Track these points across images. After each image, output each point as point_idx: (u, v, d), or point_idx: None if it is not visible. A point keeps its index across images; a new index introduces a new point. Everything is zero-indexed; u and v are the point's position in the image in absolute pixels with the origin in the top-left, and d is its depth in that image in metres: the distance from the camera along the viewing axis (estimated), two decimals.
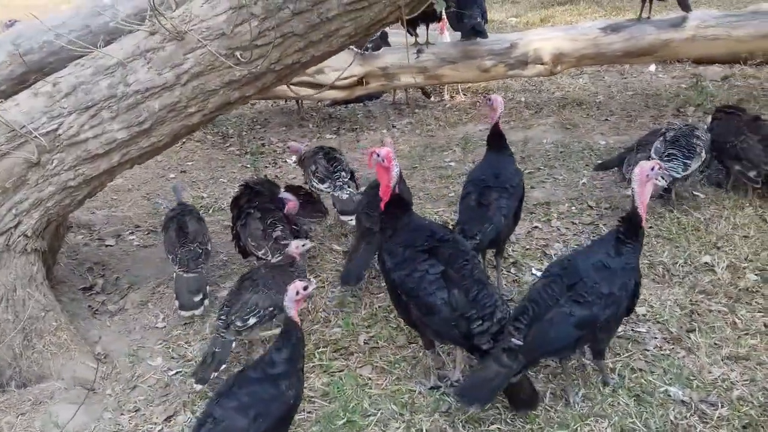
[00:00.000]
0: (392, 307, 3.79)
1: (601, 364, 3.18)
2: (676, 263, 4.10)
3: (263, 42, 3.63)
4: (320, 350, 3.61)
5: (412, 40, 6.92)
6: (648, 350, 3.40)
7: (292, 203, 4.23)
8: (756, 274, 3.92)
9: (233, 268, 4.52)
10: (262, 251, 3.93)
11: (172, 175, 6.29)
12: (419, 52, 6.88)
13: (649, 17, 6.71)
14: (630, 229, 3.06)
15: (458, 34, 6.98)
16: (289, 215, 4.21)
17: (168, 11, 3.69)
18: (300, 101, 7.53)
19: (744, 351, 3.31)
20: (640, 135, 5.99)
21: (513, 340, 2.83)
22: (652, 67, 8.38)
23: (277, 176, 6.06)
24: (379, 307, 3.93)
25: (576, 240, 4.56)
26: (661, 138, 4.90)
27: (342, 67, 5.43)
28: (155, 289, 4.35)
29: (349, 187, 4.72)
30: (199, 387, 3.29)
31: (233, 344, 3.42)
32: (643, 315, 3.66)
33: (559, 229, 4.71)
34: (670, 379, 3.17)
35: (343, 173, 4.75)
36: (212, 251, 4.31)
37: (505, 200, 3.73)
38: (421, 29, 6.90)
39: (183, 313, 3.94)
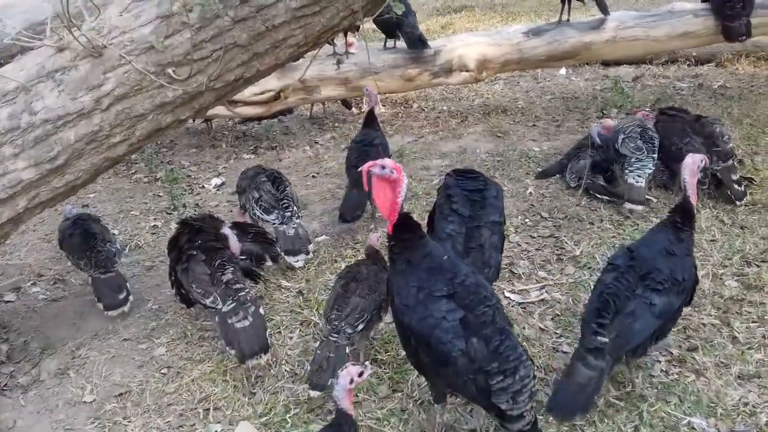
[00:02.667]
0: (365, 352, 3.38)
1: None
2: None
3: (200, 56, 3.08)
4: (292, 413, 3.10)
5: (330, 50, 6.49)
6: (654, 376, 3.15)
7: (233, 245, 3.66)
8: (736, 281, 3.79)
9: (168, 319, 3.89)
10: (210, 299, 3.34)
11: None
12: (339, 62, 6.38)
13: (568, 20, 6.64)
14: (685, 216, 3.09)
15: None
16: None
17: (78, 21, 3.04)
18: (210, 120, 6.88)
19: (753, 368, 3.13)
20: (571, 140, 5.94)
21: (599, 338, 2.78)
22: (563, 71, 8.39)
23: (197, 204, 5.43)
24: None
25: (540, 255, 4.30)
26: (622, 135, 4.74)
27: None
28: (75, 352, 3.65)
29: (297, 218, 4.20)
30: (315, 393, 3.06)
31: (347, 349, 3.12)
32: None
33: (519, 245, 4.42)
34: (690, 408, 2.92)
35: (292, 202, 4.23)
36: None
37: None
38: (339, 39, 6.46)
39: (109, 313, 3.81)
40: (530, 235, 4.54)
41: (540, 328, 3.61)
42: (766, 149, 5.45)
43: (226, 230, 3.69)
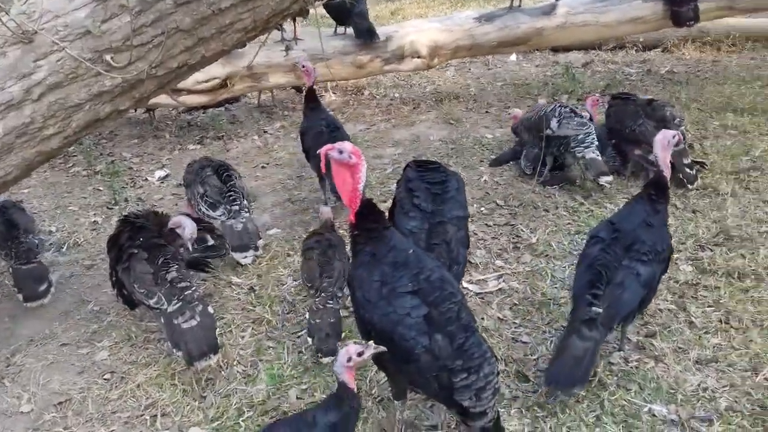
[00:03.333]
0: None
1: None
2: None
3: (140, 41, 2.89)
4: (245, 417, 2.95)
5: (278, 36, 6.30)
6: (613, 363, 3.12)
7: (188, 229, 3.45)
8: (690, 265, 3.80)
9: (110, 320, 3.68)
10: (154, 299, 3.16)
11: None
12: (288, 49, 6.25)
13: (520, 5, 6.60)
14: (659, 189, 3.15)
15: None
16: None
17: (6, 5, 2.81)
18: (152, 109, 6.60)
19: (710, 353, 3.12)
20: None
21: (594, 309, 2.83)
22: (513, 57, 8.38)
23: (139, 198, 5.20)
24: (306, 348, 3.33)
25: (497, 244, 4.24)
26: (555, 119, 4.72)
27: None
28: (10, 359, 3.42)
29: (246, 212, 4.03)
30: (327, 360, 3.16)
31: (341, 312, 3.35)
32: None
33: (476, 234, 4.34)
34: (650, 395, 2.90)
35: (240, 196, 4.05)
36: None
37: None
38: (288, 24, 6.27)
39: (29, 304, 3.74)
40: (486, 224, 4.48)
41: (499, 318, 3.54)
42: (714, 133, 5.51)
43: (180, 216, 3.50)
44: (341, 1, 5.71)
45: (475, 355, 2.37)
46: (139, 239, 3.31)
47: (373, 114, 6.68)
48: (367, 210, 2.54)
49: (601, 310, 2.83)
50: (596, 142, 4.67)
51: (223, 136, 6.35)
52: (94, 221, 4.83)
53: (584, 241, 4.06)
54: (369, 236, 2.53)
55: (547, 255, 4.05)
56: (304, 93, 4.96)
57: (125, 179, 5.50)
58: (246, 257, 4.01)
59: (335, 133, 4.50)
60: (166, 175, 5.59)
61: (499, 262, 4.03)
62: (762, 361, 3.04)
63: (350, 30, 6.43)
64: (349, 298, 2.82)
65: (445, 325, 2.38)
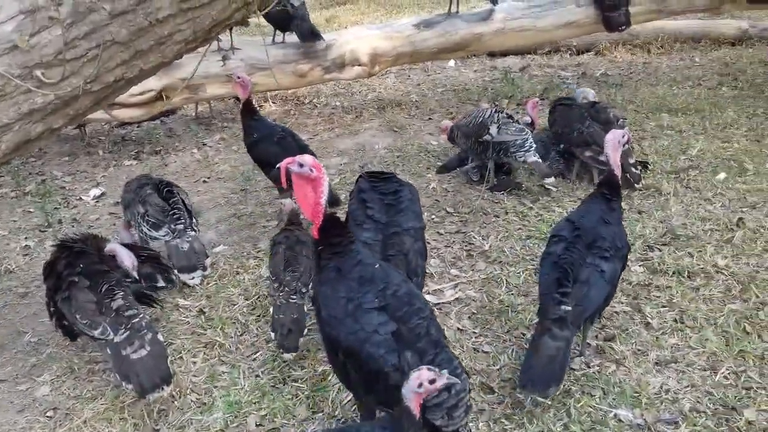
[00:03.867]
0: (279, 370, 3.15)
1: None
2: None
3: (73, 55, 2.72)
4: None
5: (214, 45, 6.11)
6: (575, 369, 3.11)
7: (126, 261, 3.28)
8: (641, 266, 3.85)
9: (50, 352, 3.45)
10: (99, 329, 2.96)
11: None
12: (225, 58, 6.09)
13: (457, 11, 6.62)
14: (612, 188, 3.20)
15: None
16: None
17: None
18: (83, 125, 6.31)
19: (669, 353, 3.15)
20: None
21: (563, 307, 2.82)
22: (452, 63, 8.43)
23: (74, 219, 4.94)
24: (263, 372, 3.20)
25: (450, 252, 4.20)
26: (495, 125, 4.75)
27: None
28: None
29: (192, 230, 3.85)
30: (289, 356, 3.19)
31: (305, 308, 3.30)
32: None
33: (429, 242, 4.26)
34: (614, 400, 2.89)
35: (184, 213, 3.87)
36: None
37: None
38: (224, 33, 6.08)
39: None
40: (438, 232, 4.44)
41: (458, 328, 3.49)
42: (651, 133, 5.64)
43: (113, 245, 3.31)
44: (282, 8, 5.59)
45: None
46: (79, 266, 3.10)
47: (316, 123, 6.58)
48: (330, 224, 2.46)
49: (570, 308, 2.82)
50: (534, 146, 4.73)
51: (160, 150, 6.13)
52: (26, 245, 4.55)
53: (536, 245, 4.16)
54: (333, 251, 2.44)
55: (500, 261, 4.03)
56: (240, 106, 4.75)
57: (58, 199, 5.23)
58: (193, 278, 3.84)
59: (298, 141, 4.47)
60: (102, 194, 5.34)
61: (454, 271, 3.99)
62: (719, 359, 3.08)
63: (289, 38, 6.31)
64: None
65: (415, 341, 2.31)
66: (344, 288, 2.37)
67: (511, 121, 4.81)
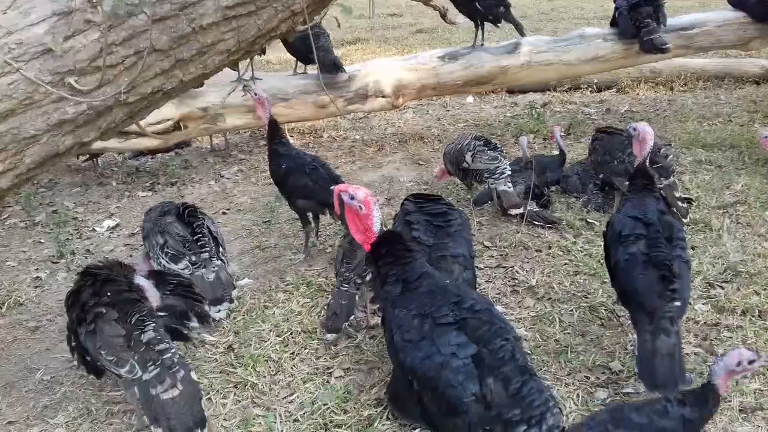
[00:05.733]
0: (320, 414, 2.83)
1: None
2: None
3: (110, 62, 2.50)
4: None
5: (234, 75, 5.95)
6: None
7: (151, 295, 2.98)
8: (704, 303, 3.57)
9: (65, 391, 3.13)
10: (126, 367, 2.65)
11: None
12: (246, 88, 5.86)
13: (482, 44, 6.47)
14: (648, 178, 3.28)
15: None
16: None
17: None
18: (96, 156, 6.07)
19: (753, 400, 2.84)
20: None
21: (676, 303, 2.76)
22: (470, 99, 8.27)
23: (87, 250, 4.66)
24: (302, 416, 2.88)
25: (492, 287, 3.92)
26: (469, 153, 4.82)
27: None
28: None
29: (218, 259, 3.57)
30: (331, 337, 3.32)
31: (356, 298, 3.37)
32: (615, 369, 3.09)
33: None
34: None
35: (209, 240, 3.59)
36: None
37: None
38: (243, 62, 5.92)
39: None
40: (478, 267, 4.15)
41: None
42: (690, 168, 5.43)
43: (140, 279, 3.02)
44: (304, 36, 5.41)
45: (535, 404, 2.01)
46: (106, 295, 2.79)
47: (337, 156, 6.35)
48: (389, 238, 2.27)
49: (680, 304, 2.79)
50: (508, 173, 4.75)
51: (176, 181, 5.87)
52: (37, 277, 4.26)
53: (587, 281, 3.89)
54: (394, 256, 2.23)
55: (550, 298, 3.75)
56: (266, 127, 4.32)
57: (69, 230, 4.95)
58: (220, 311, 3.55)
59: (330, 172, 4.28)
60: (116, 225, 5.07)
61: (500, 308, 3.69)
62: None
63: (310, 69, 6.15)
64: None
65: (498, 366, 2.01)
66: (415, 303, 2.11)
67: (487, 149, 4.81)
